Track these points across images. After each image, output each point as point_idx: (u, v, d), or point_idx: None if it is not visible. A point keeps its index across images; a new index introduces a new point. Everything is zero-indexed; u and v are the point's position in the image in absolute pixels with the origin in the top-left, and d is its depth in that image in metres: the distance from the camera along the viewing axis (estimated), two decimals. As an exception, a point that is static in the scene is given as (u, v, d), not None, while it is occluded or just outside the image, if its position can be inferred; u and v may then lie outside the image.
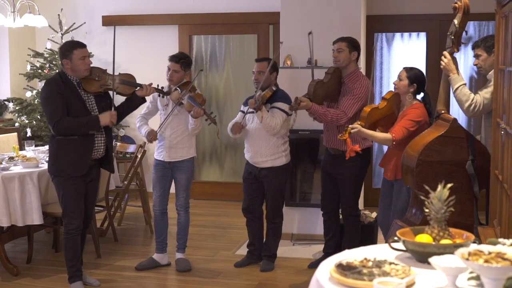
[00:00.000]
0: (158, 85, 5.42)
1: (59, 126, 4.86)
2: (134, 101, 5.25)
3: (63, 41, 8.37)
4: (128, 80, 5.21)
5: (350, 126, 4.73)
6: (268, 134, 5.53)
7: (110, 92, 5.16)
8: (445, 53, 4.47)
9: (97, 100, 5.08)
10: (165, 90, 5.54)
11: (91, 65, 5.07)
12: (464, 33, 4.50)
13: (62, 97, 4.88)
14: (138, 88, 5.20)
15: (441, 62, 4.48)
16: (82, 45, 5.02)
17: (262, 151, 5.58)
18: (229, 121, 8.57)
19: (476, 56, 4.67)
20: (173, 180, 5.72)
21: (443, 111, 4.47)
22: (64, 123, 4.86)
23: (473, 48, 4.74)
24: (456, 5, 4.41)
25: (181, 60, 5.55)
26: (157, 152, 5.72)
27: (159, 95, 5.60)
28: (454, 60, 4.50)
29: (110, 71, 5.15)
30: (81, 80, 5.00)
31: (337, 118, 5.29)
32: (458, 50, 4.49)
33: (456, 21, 4.40)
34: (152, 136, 5.57)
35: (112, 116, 4.99)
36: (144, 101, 5.32)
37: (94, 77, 5.04)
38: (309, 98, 5.27)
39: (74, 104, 4.91)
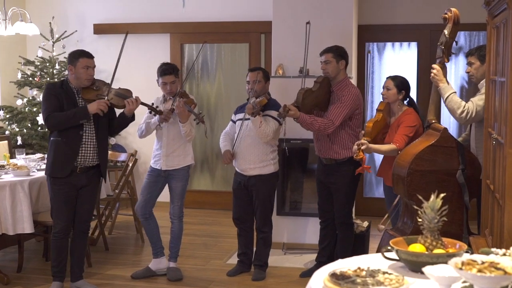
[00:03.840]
0: (152, 103, 5.44)
1: (50, 120, 5.01)
2: (124, 118, 5.28)
3: (54, 49, 8.39)
4: (122, 93, 5.25)
5: (360, 142, 4.81)
6: (257, 141, 5.55)
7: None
8: (434, 66, 4.51)
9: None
10: (155, 104, 5.55)
11: (96, 78, 5.21)
12: (454, 43, 4.53)
13: (57, 98, 5.03)
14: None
15: (431, 73, 4.52)
16: (89, 56, 5.15)
17: (251, 158, 5.59)
18: (220, 129, 8.57)
19: (469, 63, 4.68)
20: (167, 189, 5.73)
21: (433, 121, 4.50)
22: (54, 117, 4.99)
23: (467, 55, 4.77)
24: (446, 15, 4.45)
25: (174, 70, 5.56)
26: (153, 160, 5.72)
27: (150, 112, 5.55)
28: (444, 69, 4.53)
29: (110, 83, 5.26)
30: (80, 89, 5.11)
31: (325, 127, 5.31)
32: (448, 60, 4.52)
33: (446, 31, 4.43)
34: None
35: (99, 103, 5.02)
36: (133, 119, 5.30)
37: (93, 86, 5.15)
38: (297, 106, 5.29)
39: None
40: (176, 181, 5.65)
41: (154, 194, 5.72)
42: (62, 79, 5.20)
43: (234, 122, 5.80)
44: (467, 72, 4.76)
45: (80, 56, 5.10)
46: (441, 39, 4.46)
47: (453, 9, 4.43)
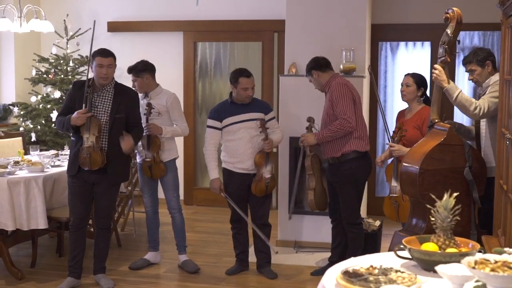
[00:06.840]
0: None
1: (55, 121, 5.37)
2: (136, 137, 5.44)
3: (68, 46, 8.44)
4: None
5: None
6: (256, 143, 5.59)
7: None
8: (436, 66, 4.50)
9: (114, 108, 5.16)
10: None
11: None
12: (457, 42, 4.52)
13: (70, 99, 5.22)
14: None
15: (433, 73, 4.50)
16: (103, 54, 5.17)
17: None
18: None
19: (470, 71, 4.71)
20: (160, 184, 5.93)
21: (437, 120, 4.50)
22: (57, 119, 5.26)
23: (465, 64, 4.78)
24: (448, 15, 4.43)
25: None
26: (139, 155, 5.88)
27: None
28: (446, 69, 4.51)
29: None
30: (103, 87, 5.18)
31: (342, 128, 5.27)
32: (451, 60, 4.50)
33: (449, 31, 4.41)
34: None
35: (79, 114, 5.02)
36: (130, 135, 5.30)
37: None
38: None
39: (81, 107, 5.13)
40: (166, 173, 5.82)
41: (154, 188, 6.02)
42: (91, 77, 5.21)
43: (220, 129, 5.69)
44: (470, 79, 4.77)
45: (95, 55, 5.18)
46: (443, 38, 4.45)
47: (455, 8, 4.42)
